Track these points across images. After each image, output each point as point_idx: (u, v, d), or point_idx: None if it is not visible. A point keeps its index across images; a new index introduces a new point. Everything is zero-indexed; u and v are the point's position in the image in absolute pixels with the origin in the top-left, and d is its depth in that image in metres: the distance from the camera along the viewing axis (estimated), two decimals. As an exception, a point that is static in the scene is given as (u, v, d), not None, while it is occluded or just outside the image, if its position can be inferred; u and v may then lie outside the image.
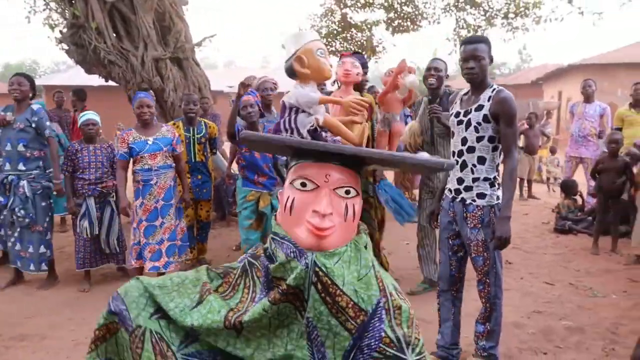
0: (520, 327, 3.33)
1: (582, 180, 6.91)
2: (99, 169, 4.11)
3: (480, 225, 2.51)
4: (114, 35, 6.34)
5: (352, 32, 10.93)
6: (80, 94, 6.77)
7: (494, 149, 2.52)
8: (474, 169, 2.53)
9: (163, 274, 3.61)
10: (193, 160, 4.56)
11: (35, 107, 4.13)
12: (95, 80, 7.64)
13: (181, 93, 6.24)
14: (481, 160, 2.52)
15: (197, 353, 1.28)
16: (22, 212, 3.99)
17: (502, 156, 2.55)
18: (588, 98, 6.60)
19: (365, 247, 1.34)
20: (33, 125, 4.03)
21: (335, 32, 10.97)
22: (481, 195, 2.52)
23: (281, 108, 1.45)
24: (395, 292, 1.33)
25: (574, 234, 5.99)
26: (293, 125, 1.40)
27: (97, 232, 4.09)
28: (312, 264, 1.22)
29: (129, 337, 1.29)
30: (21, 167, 4.03)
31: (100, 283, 4.30)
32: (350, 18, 10.93)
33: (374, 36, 11.06)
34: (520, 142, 8.97)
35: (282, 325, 1.26)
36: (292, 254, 1.25)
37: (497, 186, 2.55)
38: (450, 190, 2.66)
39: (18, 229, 4.08)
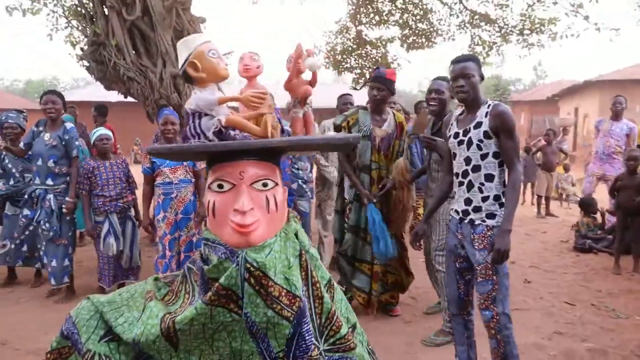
0: (541, 348, 3.25)
1: (605, 197, 6.79)
2: (118, 184, 4.15)
3: (490, 247, 2.41)
4: (134, 52, 6.44)
5: (367, 48, 11.01)
6: (101, 110, 6.90)
7: (500, 164, 2.47)
8: (483, 188, 2.46)
9: None
10: None
11: (68, 125, 4.25)
12: (114, 96, 7.76)
13: (198, 109, 6.32)
14: (489, 177, 2.46)
15: None
16: (47, 225, 4.05)
17: (505, 172, 2.50)
18: (617, 116, 6.37)
19: (296, 235, 1.35)
20: (63, 142, 4.14)
21: (350, 49, 11.06)
22: (491, 216, 2.44)
23: (185, 116, 1.46)
24: (321, 282, 1.35)
25: (595, 252, 5.87)
26: (199, 130, 1.37)
27: (121, 248, 4.12)
28: (242, 261, 1.22)
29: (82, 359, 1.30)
30: (49, 182, 4.12)
31: None
32: (365, 35, 11.01)
33: (388, 53, 11.12)
34: (539, 159, 8.87)
35: (219, 330, 1.26)
36: (223, 256, 1.26)
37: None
38: (457, 211, 2.58)
39: (44, 242, 4.15)
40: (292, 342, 1.26)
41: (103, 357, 1.27)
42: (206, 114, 1.38)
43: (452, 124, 2.66)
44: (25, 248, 4.50)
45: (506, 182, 2.49)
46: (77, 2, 7.34)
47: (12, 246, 4.48)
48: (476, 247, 2.45)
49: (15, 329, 3.59)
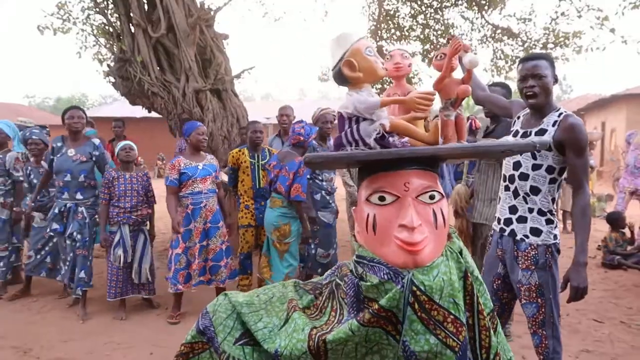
0: (567, 366, 3.14)
1: (636, 213, 6.59)
2: (135, 197, 4.17)
3: (534, 267, 2.22)
4: (158, 68, 6.59)
5: (388, 64, 11.02)
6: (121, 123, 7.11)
7: (552, 181, 2.23)
8: (527, 199, 2.27)
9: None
10: (257, 187, 4.57)
11: (96, 141, 4.35)
12: (139, 111, 7.93)
13: (219, 123, 6.40)
14: (534, 190, 2.25)
15: None
16: (79, 236, 4.13)
17: (559, 190, 2.29)
18: None
19: (461, 253, 1.21)
20: (94, 158, 4.24)
21: (372, 64, 11.09)
22: (536, 232, 2.24)
23: (338, 120, 1.32)
24: (486, 310, 1.20)
25: (624, 269, 5.69)
26: (357, 137, 1.23)
27: (129, 260, 4.15)
28: (409, 283, 1.10)
29: (219, 358, 1.25)
30: (79, 195, 4.19)
31: (134, 311, 4.33)
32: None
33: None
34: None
35: (372, 352, 1.14)
36: (386, 276, 1.12)
37: (554, 223, 2.27)
38: (499, 220, 2.39)
39: (70, 254, 4.21)
40: None
41: None
42: (365, 119, 1.25)
43: (517, 118, 2.43)
44: (48, 260, 4.65)
45: (554, 202, 2.29)
46: (105, 21, 7.58)
47: (38, 257, 4.62)
48: (520, 265, 2.26)
49: (37, 338, 3.63)
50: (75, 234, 4.12)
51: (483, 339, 1.17)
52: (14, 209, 4.68)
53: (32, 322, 4.00)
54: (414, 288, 1.09)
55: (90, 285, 4.21)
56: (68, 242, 4.17)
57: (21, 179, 4.76)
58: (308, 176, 4.13)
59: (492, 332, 1.19)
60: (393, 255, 1.13)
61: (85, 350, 3.45)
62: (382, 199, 1.16)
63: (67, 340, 3.62)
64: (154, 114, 7.30)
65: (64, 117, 4.21)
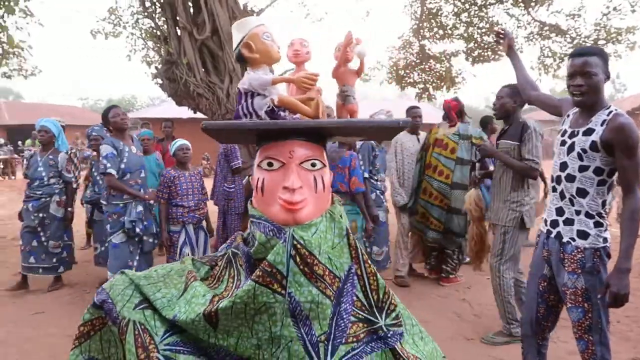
0: (616, 374, 3.02)
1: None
2: (196, 195, 4.21)
3: (580, 271, 2.14)
4: (203, 69, 6.78)
5: (430, 63, 10.89)
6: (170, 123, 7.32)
7: (601, 182, 2.14)
8: (574, 201, 2.19)
9: None
10: None
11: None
12: (185, 112, 8.16)
13: (262, 123, 6.52)
14: (581, 193, 2.17)
15: (182, 343, 1.25)
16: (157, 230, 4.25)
17: (609, 193, 2.19)
18: None
19: (341, 217, 1.35)
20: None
21: (413, 63, 10.99)
22: (583, 235, 2.16)
23: (237, 95, 1.47)
24: (369, 259, 1.36)
25: (680, 276, 5.39)
26: (251, 110, 1.40)
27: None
28: (290, 238, 1.23)
29: (118, 328, 1.28)
30: (142, 191, 4.21)
31: None
32: (429, 49, 10.91)
33: (452, 67, 10.93)
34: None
35: (260, 312, 1.23)
36: (270, 233, 1.27)
37: (604, 227, 2.17)
38: (546, 221, 2.33)
39: (137, 257, 4.13)
40: (332, 322, 1.26)
41: (138, 325, 1.25)
42: (259, 94, 1.41)
43: (567, 116, 2.33)
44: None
45: (605, 205, 2.18)
46: (153, 24, 7.85)
47: (102, 249, 4.77)
48: (566, 268, 2.19)
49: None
50: (157, 231, 4.21)
51: (372, 283, 1.33)
52: (68, 209, 4.83)
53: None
54: (295, 242, 1.23)
55: None
56: (150, 240, 4.18)
57: (72, 179, 4.92)
58: (366, 175, 4.19)
59: (377, 275, 1.34)
60: (276, 214, 1.28)
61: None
62: (270, 164, 1.31)
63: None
64: (199, 115, 7.50)
65: (107, 117, 4.21)
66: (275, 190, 1.28)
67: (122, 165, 4.05)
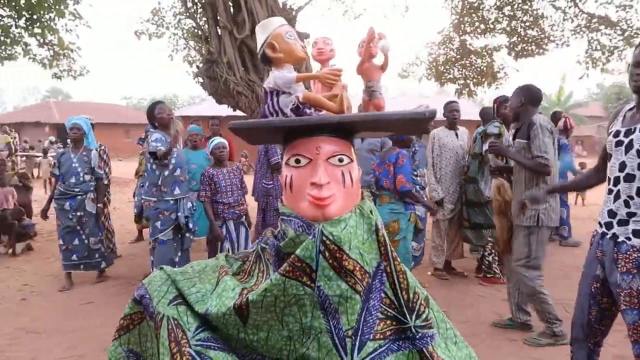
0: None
1: None
2: (235, 191, 4.29)
3: (635, 271, 2.05)
4: (242, 68, 6.89)
5: (471, 58, 10.68)
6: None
7: None
8: (630, 202, 2.10)
9: None
10: None
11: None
12: (225, 110, 8.30)
13: (300, 120, 6.57)
14: None
15: (213, 339, 1.28)
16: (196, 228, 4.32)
17: None
18: None
19: (371, 212, 1.33)
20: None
21: (453, 59, 10.80)
22: (638, 233, 2.08)
23: (264, 94, 1.47)
24: (400, 257, 1.34)
25: None
26: (277, 108, 1.41)
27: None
28: (319, 234, 1.22)
29: (154, 323, 1.33)
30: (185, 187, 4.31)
31: None
32: (470, 44, 10.70)
33: (494, 62, 10.68)
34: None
35: (290, 304, 1.24)
36: (300, 229, 1.28)
37: None
38: (600, 224, 2.26)
39: (179, 253, 4.21)
40: (361, 318, 1.26)
41: (171, 320, 1.29)
42: (284, 92, 1.43)
43: (617, 119, 2.26)
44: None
45: None
46: (194, 24, 8.03)
47: None
48: (619, 269, 2.11)
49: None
50: (195, 226, 4.29)
51: (401, 281, 1.31)
52: (98, 205, 4.98)
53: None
54: (324, 238, 1.22)
55: None
56: (189, 236, 4.27)
57: (103, 175, 5.08)
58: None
59: (408, 274, 1.33)
60: (305, 210, 1.28)
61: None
62: (297, 161, 1.31)
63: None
64: (238, 113, 7.63)
65: (153, 113, 4.29)
66: (304, 186, 1.29)
67: (173, 161, 4.13)
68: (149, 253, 5.06)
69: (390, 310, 1.30)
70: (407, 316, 1.30)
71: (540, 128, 3.19)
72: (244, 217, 4.44)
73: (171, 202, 4.12)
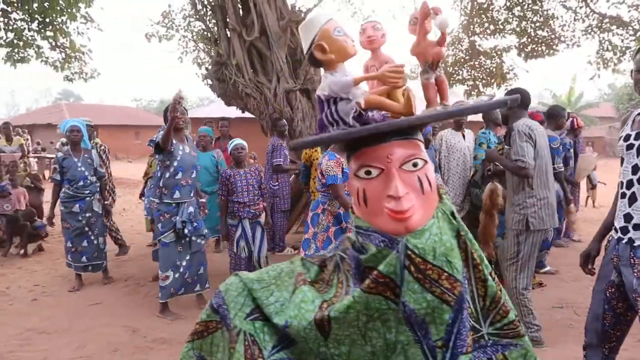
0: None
1: None
2: (251, 191, 4.38)
3: None
4: (251, 70, 6.91)
5: (480, 59, 10.62)
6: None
7: None
8: None
9: None
10: None
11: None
12: (233, 112, 8.34)
13: (308, 122, 6.56)
14: None
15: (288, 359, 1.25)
16: (207, 233, 4.31)
17: None
18: None
19: (452, 214, 1.24)
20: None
21: (462, 60, 10.76)
22: None
23: (318, 103, 1.34)
24: (482, 264, 1.25)
25: None
26: (336, 117, 1.27)
27: (252, 251, 4.36)
28: (403, 248, 1.15)
29: (229, 335, 1.30)
30: (192, 193, 4.25)
31: None
32: (479, 45, 10.64)
33: (504, 63, 10.62)
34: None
35: (374, 319, 1.19)
36: (382, 244, 1.19)
37: None
38: (616, 229, 2.24)
39: (187, 256, 4.16)
40: (453, 329, 1.17)
41: (248, 336, 1.27)
42: (342, 98, 1.28)
43: (626, 124, 2.27)
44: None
45: None
46: (204, 27, 8.07)
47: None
48: (635, 273, 2.08)
49: (143, 320, 3.99)
50: (207, 231, 4.27)
51: (479, 289, 1.23)
52: (106, 202, 5.04)
53: (139, 305, 4.38)
54: (409, 252, 1.14)
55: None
56: (199, 240, 4.24)
57: (105, 174, 5.14)
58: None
59: (491, 282, 1.24)
60: (385, 224, 1.18)
61: (189, 331, 3.71)
62: (368, 172, 1.21)
63: (171, 322, 3.93)
64: (247, 114, 7.65)
65: (167, 114, 4.23)
66: (379, 199, 1.19)
67: (175, 163, 4.06)
68: (152, 254, 5.15)
69: (470, 321, 1.22)
70: (482, 322, 1.24)
71: (518, 134, 3.25)
72: (261, 216, 4.50)
73: (173, 205, 4.08)
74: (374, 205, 1.20)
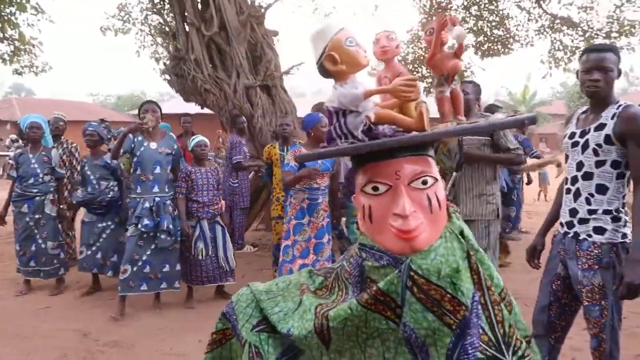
0: (623, 372, 2.99)
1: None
2: (211, 191, 4.26)
3: (597, 267, 2.12)
4: (210, 65, 6.80)
5: (439, 57, 10.81)
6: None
7: (619, 176, 2.13)
8: (591, 199, 2.17)
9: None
10: None
11: (173, 135, 4.44)
12: (193, 108, 8.18)
13: (269, 119, 6.51)
14: (601, 189, 2.15)
15: None
16: (173, 229, 4.11)
17: (630, 185, 2.16)
18: None
19: (461, 234, 1.19)
20: (173, 152, 4.22)
21: (422, 57, 10.93)
22: (599, 230, 2.15)
23: (327, 115, 1.30)
24: (493, 284, 1.20)
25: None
26: (345, 130, 1.22)
27: (210, 253, 4.23)
28: (406, 268, 1.12)
29: (240, 346, 1.33)
30: (167, 189, 4.15)
31: (210, 300, 4.44)
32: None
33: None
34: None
35: (373, 337, 1.18)
36: (385, 262, 1.16)
37: (622, 221, 2.15)
38: (562, 224, 2.33)
39: (148, 251, 4.07)
40: (453, 355, 1.12)
41: (252, 347, 1.27)
42: (351, 111, 1.24)
43: (571, 122, 2.36)
44: (99, 255, 4.55)
45: (624, 199, 2.16)
46: (161, 21, 7.89)
47: (88, 253, 4.54)
48: (580, 266, 2.17)
49: (95, 324, 3.88)
50: (171, 227, 4.09)
51: (497, 313, 1.17)
52: (61, 206, 4.77)
53: (92, 307, 4.26)
54: (412, 272, 1.11)
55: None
56: (163, 237, 4.08)
57: (64, 175, 4.92)
58: None
59: (503, 305, 1.19)
60: (390, 243, 1.15)
61: (140, 333, 3.64)
62: (375, 188, 1.17)
63: (121, 326, 3.83)
64: (206, 110, 7.53)
65: (140, 112, 4.17)
66: (385, 216, 1.15)
67: (135, 159, 4.06)
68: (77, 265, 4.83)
69: (488, 350, 1.13)
70: (505, 353, 1.15)
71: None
72: (219, 216, 4.40)
73: (137, 199, 4.06)
74: (380, 223, 1.17)
